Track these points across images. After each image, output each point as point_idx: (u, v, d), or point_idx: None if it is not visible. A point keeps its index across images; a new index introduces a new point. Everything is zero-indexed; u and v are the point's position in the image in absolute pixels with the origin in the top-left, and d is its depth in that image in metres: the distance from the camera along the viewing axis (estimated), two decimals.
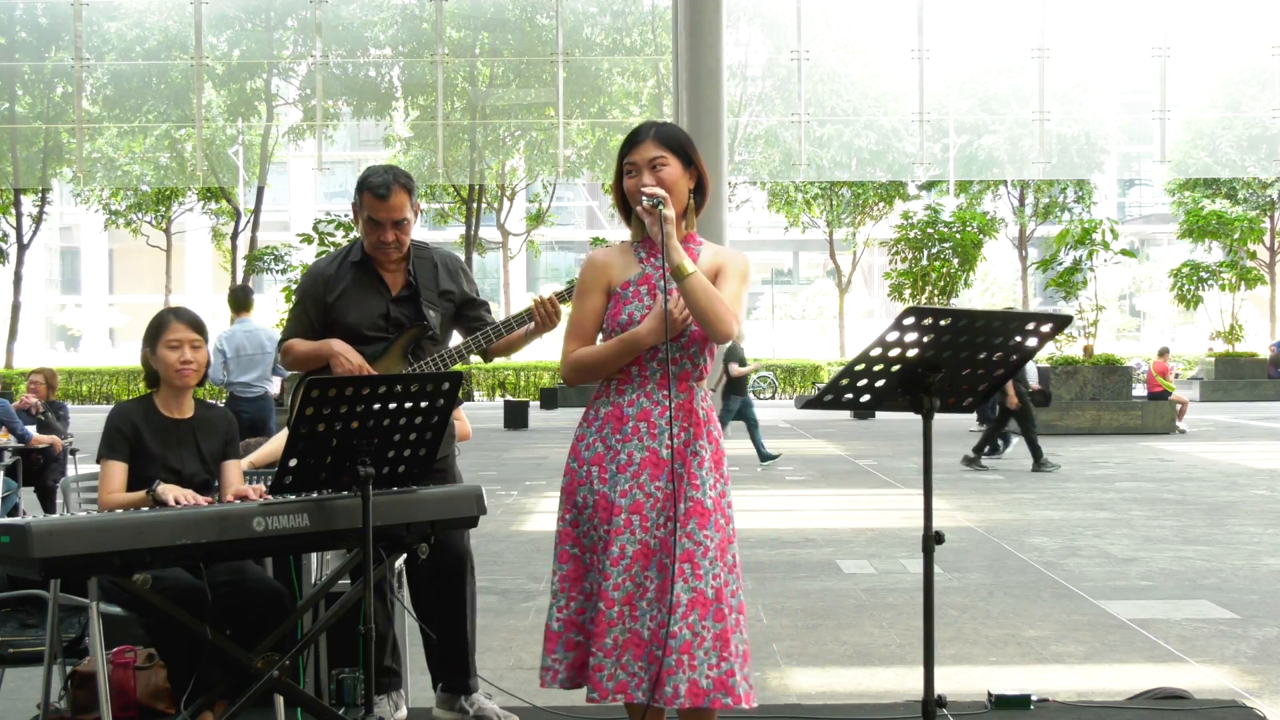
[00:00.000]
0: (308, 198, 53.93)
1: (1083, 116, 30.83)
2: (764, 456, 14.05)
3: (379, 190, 4.03)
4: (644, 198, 3.18)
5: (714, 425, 3.29)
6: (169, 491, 3.66)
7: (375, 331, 4.14)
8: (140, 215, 36.81)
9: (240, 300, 10.28)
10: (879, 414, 20.84)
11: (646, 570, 3.14)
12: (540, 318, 3.99)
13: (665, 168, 3.25)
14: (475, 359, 4.22)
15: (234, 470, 4.00)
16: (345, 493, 3.53)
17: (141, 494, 3.74)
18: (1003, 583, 6.96)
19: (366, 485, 3.38)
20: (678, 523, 3.15)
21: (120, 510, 3.55)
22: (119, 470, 3.81)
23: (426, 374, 3.94)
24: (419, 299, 4.16)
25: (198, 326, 3.96)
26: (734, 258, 3.33)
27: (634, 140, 3.29)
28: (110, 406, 6.67)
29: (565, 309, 4.14)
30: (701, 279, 3.14)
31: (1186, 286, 28.05)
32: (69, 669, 4.11)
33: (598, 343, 3.34)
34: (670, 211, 3.15)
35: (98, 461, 3.87)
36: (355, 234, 4.23)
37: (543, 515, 10.01)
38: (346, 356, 4.02)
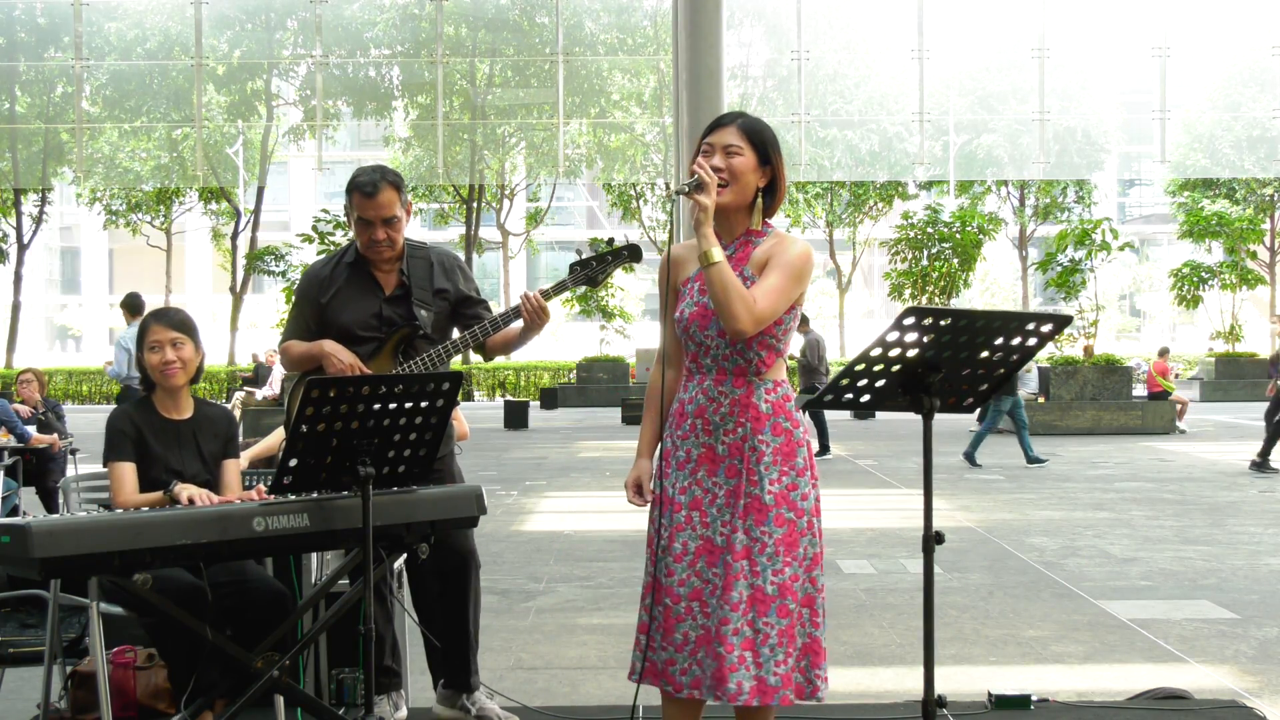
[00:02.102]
0: (308, 198, 53.81)
1: (1083, 114, 30.80)
2: (1030, 459, 13.85)
3: (366, 189, 4.05)
4: (689, 179, 3.10)
5: (782, 419, 3.16)
6: (184, 492, 3.66)
7: (368, 331, 4.14)
8: (140, 215, 36.80)
9: (134, 306, 11.42)
10: (879, 414, 20.82)
11: (713, 567, 3.12)
12: (528, 314, 3.99)
13: (738, 157, 3.17)
14: (476, 358, 4.23)
15: (233, 470, 3.99)
16: (345, 493, 3.53)
17: (158, 495, 3.73)
18: (1003, 583, 6.96)
19: (366, 485, 3.38)
20: (687, 518, 3.14)
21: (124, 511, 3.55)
22: (129, 471, 3.79)
23: (426, 374, 3.94)
24: (412, 298, 4.16)
25: (179, 324, 3.91)
26: (787, 249, 3.17)
27: (719, 123, 3.23)
28: (111, 406, 6.66)
29: (554, 306, 4.15)
30: (725, 271, 3.04)
31: (1186, 287, 28.06)
32: (69, 669, 4.11)
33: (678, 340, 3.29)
34: (707, 200, 3.06)
35: (104, 466, 3.85)
36: (353, 234, 4.24)
37: (543, 515, 10.01)
38: (338, 356, 4.03)
